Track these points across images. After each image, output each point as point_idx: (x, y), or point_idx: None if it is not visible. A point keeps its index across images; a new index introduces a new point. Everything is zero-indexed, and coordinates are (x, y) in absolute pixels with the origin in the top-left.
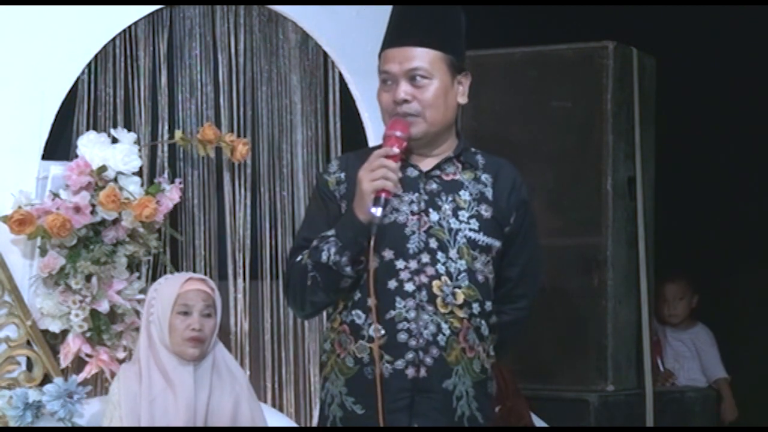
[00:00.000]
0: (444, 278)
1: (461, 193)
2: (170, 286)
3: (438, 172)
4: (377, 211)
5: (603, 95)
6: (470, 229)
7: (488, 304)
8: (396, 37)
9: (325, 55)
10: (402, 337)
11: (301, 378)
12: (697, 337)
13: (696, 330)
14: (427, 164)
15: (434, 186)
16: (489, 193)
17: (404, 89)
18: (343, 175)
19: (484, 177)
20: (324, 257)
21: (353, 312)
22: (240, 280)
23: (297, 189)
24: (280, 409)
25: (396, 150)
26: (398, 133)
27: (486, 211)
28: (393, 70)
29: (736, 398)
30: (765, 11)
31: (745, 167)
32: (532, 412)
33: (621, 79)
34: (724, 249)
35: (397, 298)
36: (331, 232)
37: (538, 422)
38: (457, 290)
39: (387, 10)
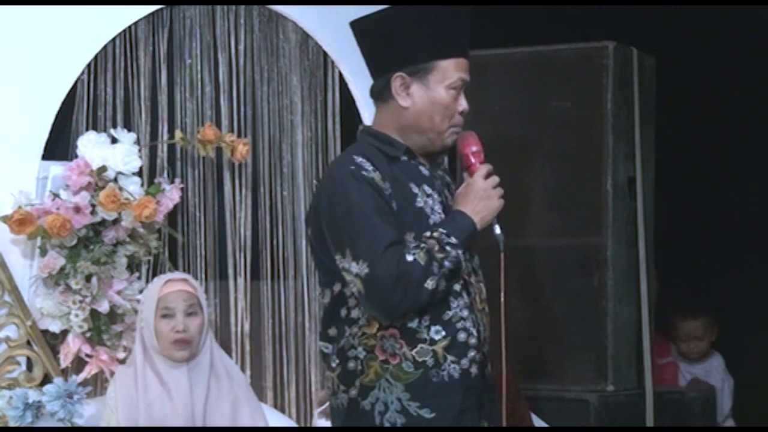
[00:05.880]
0: (473, 276)
1: (453, 189)
2: (152, 289)
3: (440, 172)
4: (498, 229)
5: (603, 95)
6: None
7: None
8: (464, 46)
9: (325, 55)
10: (461, 336)
11: (302, 378)
12: (712, 371)
13: (711, 362)
14: (426, 163)
15: (439, 183)
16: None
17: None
18: (379, 174)
19: (443, 172)
20: (463, 265)
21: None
22: (240, 280)
23: (297, 189)
24: (282, 410)
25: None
26: (476, 148)
27: None
28: (466, 78)
29: (734, 399)
30: (765, 11)
31: (745, 167)
32: (532, 412)
33: (621, 79)
34: (724, 249)
35: (450, 298)
36: (453, 240)
37: (539, 422)
38: (481, 285)
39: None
